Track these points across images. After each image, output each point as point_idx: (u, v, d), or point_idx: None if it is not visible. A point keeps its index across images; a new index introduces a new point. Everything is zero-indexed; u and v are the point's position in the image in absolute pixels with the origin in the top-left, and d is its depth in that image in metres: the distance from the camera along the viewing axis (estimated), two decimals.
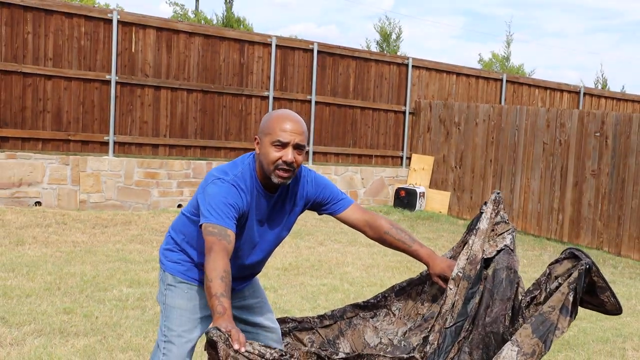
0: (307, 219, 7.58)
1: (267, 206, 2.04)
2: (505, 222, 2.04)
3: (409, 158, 9.86)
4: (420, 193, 9.12)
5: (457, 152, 9.15)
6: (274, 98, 8.53)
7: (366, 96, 9.43)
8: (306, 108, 8.85)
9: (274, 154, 1.94)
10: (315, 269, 5.26)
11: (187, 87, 7.86)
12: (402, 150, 9.87)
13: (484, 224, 2.03)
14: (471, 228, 2.09)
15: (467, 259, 1.98)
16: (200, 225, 1.89)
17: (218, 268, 1.74)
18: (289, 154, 1.93)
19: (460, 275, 1.96)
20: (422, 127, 9.73)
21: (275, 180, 1.96)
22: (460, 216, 8.95)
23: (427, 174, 9.48)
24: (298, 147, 1.96)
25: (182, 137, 7.91)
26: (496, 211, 2.05)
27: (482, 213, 2.06)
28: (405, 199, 9.11)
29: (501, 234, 2.03)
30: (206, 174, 2.06)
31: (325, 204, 2.18)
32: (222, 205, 1.87)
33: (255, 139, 2.01)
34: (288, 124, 1.94)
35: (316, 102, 8.91)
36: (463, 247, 2.07)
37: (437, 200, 9.22)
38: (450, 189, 9.19)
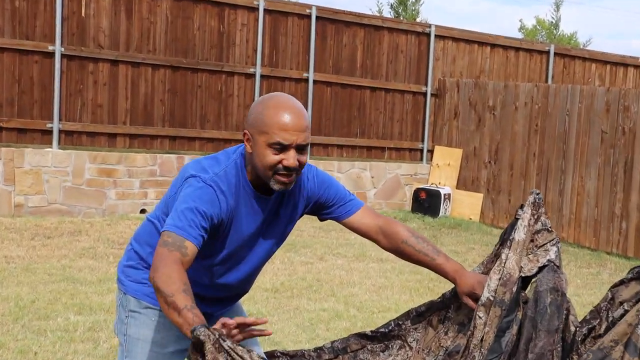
0: (304, 226, 7.59)
1: (260, 212, 2.06)
2: (548, 230, 2.04)
3: (431, 151, 9.87)
4: (444, 195, 9.13)
5: (492, 143, 9.15)
6: (262, 76, 8.54)
7: (377, 74, 9.43)
8: (302, 89, 8.85)
9: (272, 157, 1.94)
10: (314, 290, 5.26)
11: (152, 61, 7.86)
12: (423, 141, 9.87)
13: (520, 234, 2.02)
14: (505, 239, 2.07)
15: (499, 279, 1.97)
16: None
17: (174, 280, 1.74)
18: (290, 158, 1.94)
19: (492, 299, 1.95)
20: (447, 113, 9.73)
21: (275, 187, 1.98)
22: (495, 224, 8.95)
23: (453, 171, 9.49)
24: (301, 147, 1.97)
25: (147, 125, 7.91)
26: (536, 216, 2.04)
27: (517, 219, 2.05)
28: (426, 202, 9.12)
29: (543, 245, 2.02)
30: (180, 170, 2.07)
31: (329, 206, 2.19)
32: (188, 211, 1.88)
33: (245, 134, 2.00)
34: (289, 120, 1.93)
35: (314, 82, 8.92)
36: (495, 263, 2.06)
37: (466, 204, 9.23)
38: (482, 190, 9.20)
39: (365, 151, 9.44)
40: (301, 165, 1.98)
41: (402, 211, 9.36)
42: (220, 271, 2.08)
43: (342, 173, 8.99)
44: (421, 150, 9.90)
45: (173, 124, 8.07)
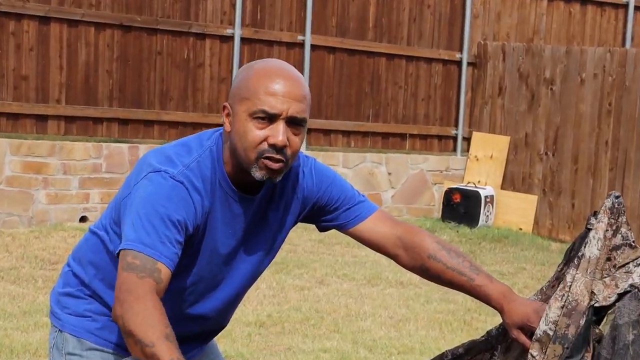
0: (298, 239, 7.59)
1: (242, 217, 2.06)
2: (631, 245, 2.04)
3: (468, 139, 9.87)
4: (486, 197, 9.13)
5: (549, 128, 9.15)
6: (243, 40, 8.53)
7: (396, 36, 9.41)
8: (296, 56, 8.84)
9: (256, 132, 1.94)
10: (312, 324, 5.27)
11: (95, 19, 7.86)
12: (456, 126, 9.87)
13: (592, 250, 2.02)
14: (571, 256, 2.08)
15: (562, 307, 1.98)
16: (118, 253, 1.89)
17: (153, 322, 1.76)
18: (279, 133, 1.94)
19: (550, 334, 1.96)
20: (489, 87, 9.73)
21: (258, 174, 1.97)
22: (554, 236, 8.96)
23: (497, 165, 9.49)
24: (295, 122, 1.96)
25: (88, 104, 7.91)
26: (614, 227, 2.04)
27: (589, 230, 2.06)
28: (462, 207, 9.12)
29: (624, 265, 2.02)
30: (137, 162, 2.06)
31: (331, 210, 2.20)
32: (157, 220, 1.88)
33: (224, 107, 2.02)
34: (279, 83, 1.95)
35: (313, 47, 8.91)
36: (557, 288, 2.06)
37: (514, 210, 9.23)
38: (537, 191, 9.20)
39: (380, 139, 9.44)
40: (293, 149, 1.98)
41: (429, 219, 9.35)
42: (189, 298, 2.08)
43: (350, 168, 8.99)
44: (454, 138, 9.90)
45: (124, 103, 8.06)
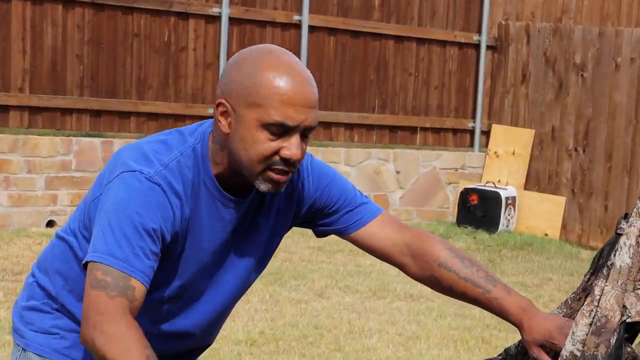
0: (295, 246, 7.61)
1: (230, 222, 2.08)
2: None
3: (487, 133, 9.88)
4: (507, 199, 9.15)
5: (580, 120, 9.16)
6: (232, 20, 8.54)
7: (405, 16, 9.43)
8: (292, 38, 8.86)
9: (268, 144, 1.95)
10: (310, 342, 5.28)
11: None
12: (474, 118, 9.88)
13: (624, 258, 2.02)
14: (599, 265, 2.09)
15: (590, 324, 1.98)
16: (85, 264, 1.90)
17: (131, 345, 1.78)
18: (294, 146, 1.95)
19: (578, 355, 1.97)
20: (511, 74, 9.74)
21: (263, 187, 1.99)
22: (585, 242, 8.98)
23: (520, 162, 9.50)
24: (307, 133, 1.98)
25: (56, 94, 7.91)
26: None
27: (619, 236, 2.06)
28: (480, 210, 9.14)
29: None
30: (110, 158, 2.07)
31: (330, 212, 2.21)
32: (130, 230, 1.89)
33: (220, 103, 2.00)
34: (295, 88, 1.94)
35: (311, 28, 8.92)
36: (583, 301, 2.07)
37: (539, 213, 9.24)
38: (565, 192, 9.22)
39: (387, 133, 9.45)
40: (302, 159, 2.00)
41: (442, 223, 9.36)
42: (171, 313, 2.09)
43: (353, 166, 9.01)
44: (472, 132, 9.91)
45: (96, 92, 8.07)
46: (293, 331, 5.44)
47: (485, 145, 9.87)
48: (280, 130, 1.94)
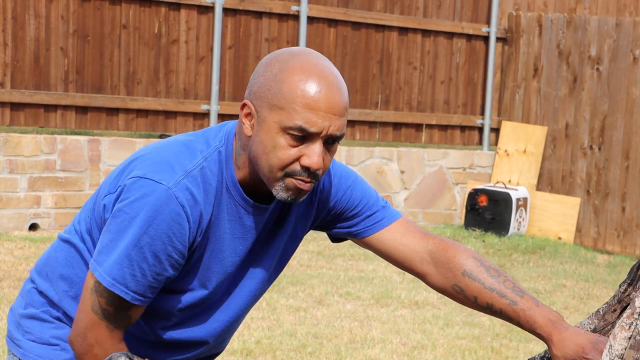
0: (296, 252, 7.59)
1: (253, 229, 2.10)
2: None
3: (496, 130, 9.89)
4: (518, 200, 9.17)
5: (595, 117, 9.17)
6: (226, 10, 8.54)
7: (410, 6, 9.44)
8: (290, 30, 8.87)
9: (288, 150, 1.96)
10: (309, 352, 5.28)
11: None
12: (483, 114, 9.89)
13: None
14: (639, 275, 2.09)
15: (629, 338, 1.99)
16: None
17: None
18: (315, 154, 1.96)
19: None
20: (522, 68, 9.75)
21: (283, 195, 2.01)
22: (601, 247, 8.98)
23: (532, 161, 9.52)
24: (333, 141, 2.00)
25: (39, 89, 7.92)
26: None
27: None
28: (489, 212, 9.16)
29: None
30: (132, 155, 2.09)
31: (350, 216, 2.24)
32: (138, 253, 1.93)
33: (244, 105, 2.02)
34: (320, 92, 1.95)
35: (310, 19, 8.94)
36: (619, 314, 2.08)
37: (552, 215, 9.26)
38: (579, 193, 9.23)
39: (390, 130, 9.46)
40: (325, 167, 2.01)
41: (449, 226, 9.37)
42: (188, 322, 2.12)
43: (354, 166, 9.02)
44: (480, 129, 9.92)
45: (82, 88, 8.08)
46: (291, 340, 5.44)
47: (494, 143, 9.88)
48: (302, 136, 1.95)
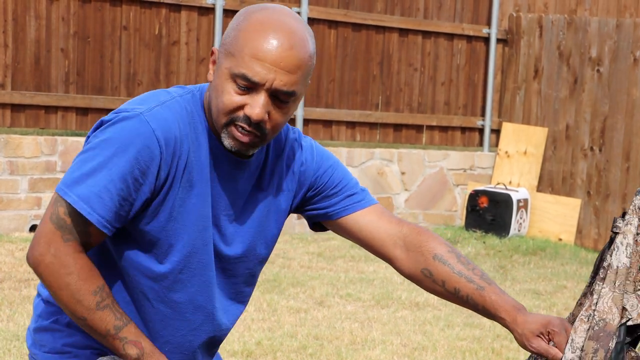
0: (293, 252, 7.62)
1: (230, 179, 2.12)
2: None
3: (497, 131, 9.92)
4: (519, 202, 9.19)
5: (596, 118, 9.19)
6: (226, 11, 8.54)
7: (410, 7, 9.46)
8: None
9: (233, 97, 2.01)
10: (310, 353, 5.29)
11: None
12: (483, 115, 9.90)
13: (621, 257, 2.06)
14: (598, 267, 2.12)
15: (587, 330, 2.01)
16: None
17: (82, 296, 1.93)
18: (257, 105, 1.99)
19: None
20: (523, 69, 9.76)
21: (226, 142, 2.04)
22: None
23: (532, 162, 9.54)
24: (281, 96, 2.01)
25: (39, 90, 7.93)
26: None
27: (616, 235, 2.10)
28: (489, 213, 9.18)
29: None
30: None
31: (331, 195, 2.26)
32: (101, 168, 1.95)
33: (212, 52, 2.09)
34: (270, 44, 1.98)
35: (310, 21, 8.93)
36: (583, 307, 2.11)
37: (553, 216, 9.27)
38: (580, 194, 9.25)
39: (391, 132, 9.48)
40: (274, 123, 2.03)
41: (450, 227, 9.38)
42: (183, 279, 2.11)
43: (355, 167, 9.02)
44: (481, 130, 9.93)
45: (83, 89, 8.09)
46: (292, 342, 5.44)
47: (495, 144, 9.89)
48: (246, 85, 1.98)
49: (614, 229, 2.10)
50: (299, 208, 2.28)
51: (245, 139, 2.01)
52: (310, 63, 2.03)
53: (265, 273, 6.89)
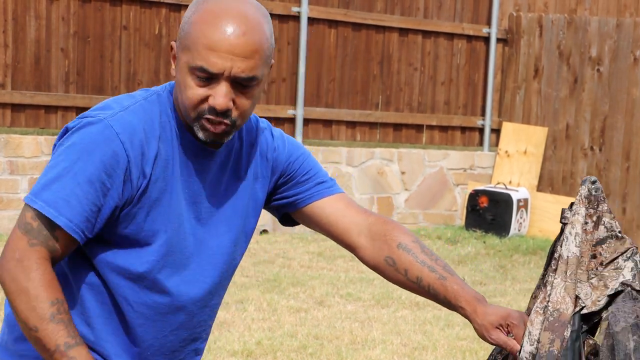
0: (293, 252, 7.62)
1: (202, 174, 2.14)
2: (617, 236, 2.08)
3: (497, 131, 9.93)
4: (519, 201, 9.20)
5: (596, 118, 9.20)
6: None
7: (410, 7, 9.47)
8: (291, 31, 8.91)
9: (196, 90, 2.02)
10: (310, 352, 5.30)
11: None
12: (483, 115, 9.91)
13: (570, 247, 2.06)
14: (550, 259, 2.13)
15: (543, 321, 2.02)
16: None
17: (38, 304, 1.90)
18: (219, 95, 2.01)
19: (534, 353, 2.01)
20: (523, 69, 9.77)
21: (201, 135, 2.05)
22: None
23: (532, 162, 9.55)
24: (243, 82, 2.03)
25: (40, 90, 7.94)
26: (595, 218, 2.09)
27: (565, 225, 2.10)
28: (490, 213, 9.19)
29: (612, 261, 2.06)
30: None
31: (302, 182, 2.28)
32: (67, 175, 1.95)
33: (171, 47, 2.11)
34: (222, 33, 1.99)
35: (311, 20, 8.96)
36: (538, 299, 2.11)
37: (553, 216, 9.25)
38: None
39: (391, 132, 9.49)
40: (241, 110, 2.04)
41: (450, 227, 9.38)
42: (160, 279, 2.11)
43: (355, 167, 9.03)
44: (481, 130, 9.95)
45: (82, 89, 8.10)
46: (292, 342, 5.44)
47: (495, 144, 9.90)
48: (205, 77, 1.99)
49: (563, 219, 2.09)
50: (269, 197, 2.30)
51: (216, 129, 2.03)
52: (267, 45, 2.03)
53: (265, 273, 6.91)
